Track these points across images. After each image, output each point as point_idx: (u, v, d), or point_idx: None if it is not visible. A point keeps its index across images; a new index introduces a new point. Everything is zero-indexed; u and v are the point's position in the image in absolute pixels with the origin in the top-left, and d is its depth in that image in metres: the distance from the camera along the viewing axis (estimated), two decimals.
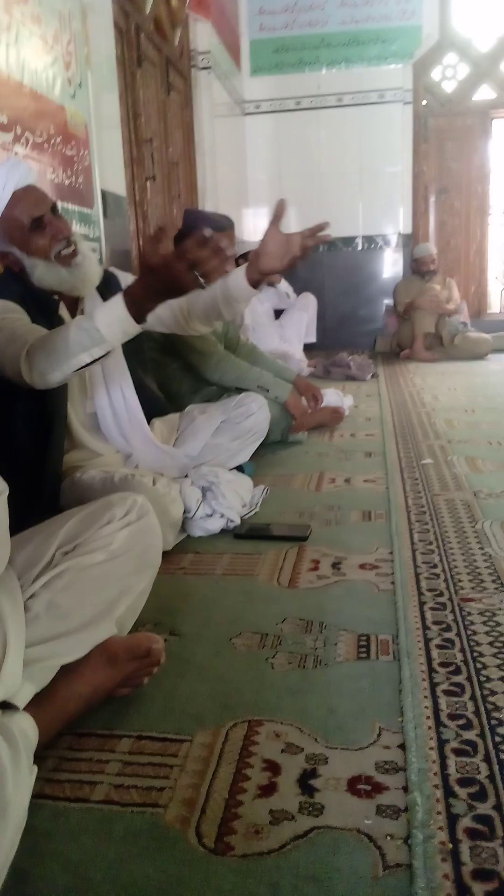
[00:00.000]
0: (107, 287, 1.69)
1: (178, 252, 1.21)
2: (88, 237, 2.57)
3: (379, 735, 0.95)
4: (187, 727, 0.98)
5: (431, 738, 0.92)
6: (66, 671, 0.97)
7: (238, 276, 1.53)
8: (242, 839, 0.78)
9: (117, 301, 1.29)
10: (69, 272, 1.55)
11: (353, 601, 1.36)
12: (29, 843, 0.76)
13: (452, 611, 1.28)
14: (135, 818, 0.82)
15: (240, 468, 2.10)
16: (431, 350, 5.25)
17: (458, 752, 0.90)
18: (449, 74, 5.87)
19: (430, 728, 0.94)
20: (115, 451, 1.79)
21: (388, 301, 5.74)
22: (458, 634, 1.19)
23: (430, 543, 1.61)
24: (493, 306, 6.29)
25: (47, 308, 1.57)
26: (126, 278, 1.79)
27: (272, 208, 1.47)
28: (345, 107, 5.55)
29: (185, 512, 1.70)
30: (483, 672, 1.07)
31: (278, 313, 4.74)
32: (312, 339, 4.85)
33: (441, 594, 1.34)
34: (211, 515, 1.73)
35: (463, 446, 2.53)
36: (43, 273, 1.53)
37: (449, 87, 5.89)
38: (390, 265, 5.82)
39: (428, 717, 0.96)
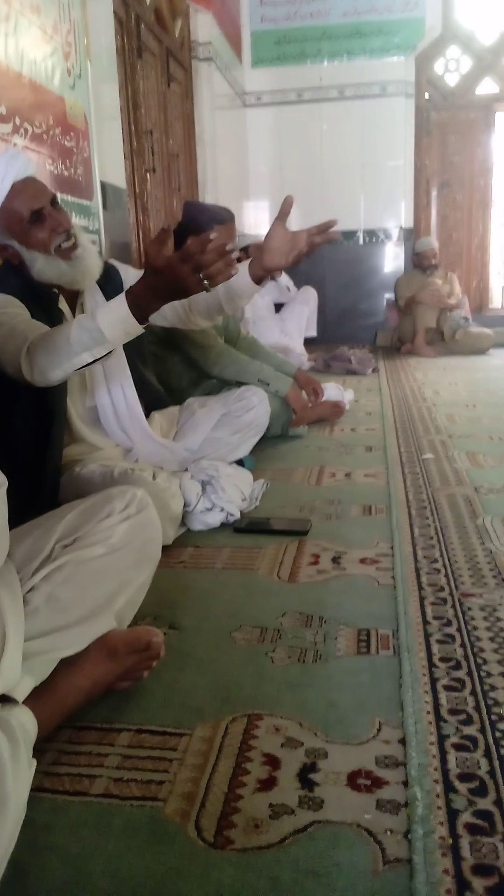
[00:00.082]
0: (107, 280, 1.68)
1: (182, 254, 1.20)
2: (88, 229, 2.55)
3: (379, 730, 0.95)
4: (187, 721, 0.98)
5: (432, 734, 0.92)
6: (65, 664, 0.97)
7: (241, 272, 1.52)
8: (242, 833, 0.78)
9: (120, 301, 1.28)
10: (69, 265, 1.53)
11: (353, 596, 1.35)
12: (28, 836, 0.76)
13: (453, 606, 1.27)
14: (134, 812, 0.82)
15: (240, 462, 2.10)
16: (432, 345, 5.23)
17: (458, 748, 0.89)
18: (452, 67, 5.83)
19: (430, 723, 0.94)
20: (115, 445, 1.78)
21: (389, 295, 5.72)
22: (459, 629, 1.19)
23: (431, 538, 1.60)
24: (495, 301, 6.26)
25: (47, 301, 1.56)
26: (126, 270, 1.78)
27: (280, 205, 1.46)
28: (347, 99, 5.52)
29: (185, 506, 1.70)
30: (483, 667, 1.07)
31: (279, 307, 4.72)
32: (313, 332, 4.83)
33: (441, 589, 1.34)
34: (211, 509, 1.73)
35: (464, 441, 2.52)
36: (43, 266, 1.51)
37: (452, 80, 5.85)
38: (392, 259, 5.80)
39: (428, 712, 0.96)
